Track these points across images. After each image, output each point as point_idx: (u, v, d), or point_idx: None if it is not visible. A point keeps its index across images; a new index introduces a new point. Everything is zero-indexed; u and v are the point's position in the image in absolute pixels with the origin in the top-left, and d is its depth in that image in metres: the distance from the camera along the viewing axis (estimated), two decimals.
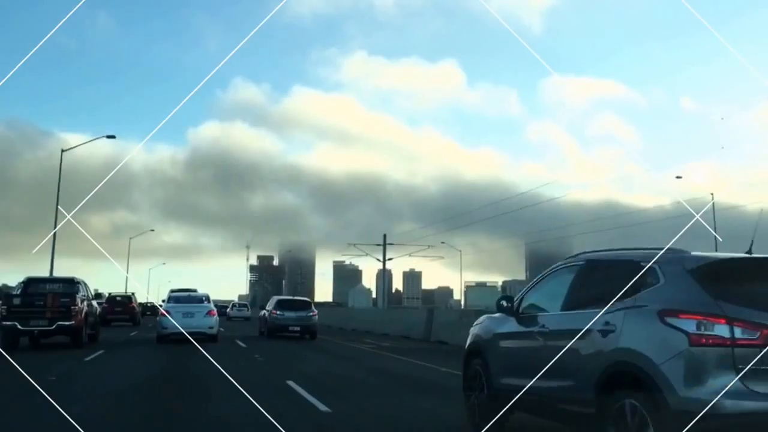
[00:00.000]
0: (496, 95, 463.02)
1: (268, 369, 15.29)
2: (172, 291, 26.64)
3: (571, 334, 5.67)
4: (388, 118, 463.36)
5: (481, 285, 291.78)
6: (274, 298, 31.81)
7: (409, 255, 68.38)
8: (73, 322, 19.21)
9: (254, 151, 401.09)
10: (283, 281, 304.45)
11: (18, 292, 20.23)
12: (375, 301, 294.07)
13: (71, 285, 20.72)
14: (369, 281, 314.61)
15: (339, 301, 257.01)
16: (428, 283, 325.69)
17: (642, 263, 5.45)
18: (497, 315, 7.44)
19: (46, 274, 31.74)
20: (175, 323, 22.67)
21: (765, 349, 4.33)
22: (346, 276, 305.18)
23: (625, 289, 5.30)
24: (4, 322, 18.87)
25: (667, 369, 4.61)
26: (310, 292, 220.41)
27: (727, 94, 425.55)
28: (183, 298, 25.17)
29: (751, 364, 4.33)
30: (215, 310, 24.94)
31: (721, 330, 4.48)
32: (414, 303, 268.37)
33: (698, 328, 4.59)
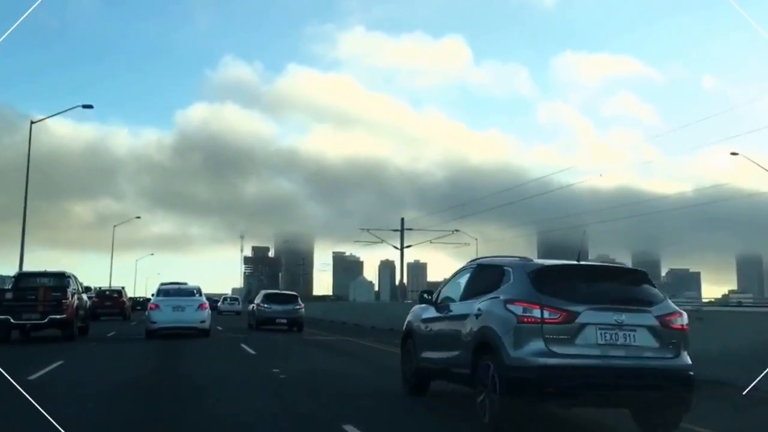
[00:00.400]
0: (505, 73, 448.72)
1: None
2: (162, 284, 25.69)
3: (462, 318, 8.32)
4: (389, 98, 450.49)
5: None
6: (262, 292, 33.40)
7: (430, 242, 57.90)
8: (65, 315, 19.84)
9: (247, 135, 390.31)
10: (280, 273, 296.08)
11: (10, 287, 21.13)
12: (378, 294, 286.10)
13: (62, 279, 21.39)
14: (370, 273, 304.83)
15: (339, 294, 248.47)
16: (434, 275, 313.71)
17: (504, 267, 8.06)
18: (425, 305, 9.93)
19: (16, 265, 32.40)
20: (164, 317, 22.28)
21: (562, 325, 6.95)
22: (347, 268, 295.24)
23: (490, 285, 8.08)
24: None
25: (505, 339, 7.19)
26: (309, 284, 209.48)
27: (751, 72, 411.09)
28: (173, 291, 24.18)
29: (552, 334, 6.97)
30: (207, 303, 24.18)
31: (536, 313, 7.02)
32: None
33: (523, 311, 7.12)
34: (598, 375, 6.94)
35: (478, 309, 7.89)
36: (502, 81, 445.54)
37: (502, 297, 7.58)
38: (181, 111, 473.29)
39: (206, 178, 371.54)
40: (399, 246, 55.61)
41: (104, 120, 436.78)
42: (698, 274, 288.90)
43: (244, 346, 19.79)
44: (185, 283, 26.09)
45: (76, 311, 20.95)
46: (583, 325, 6.99)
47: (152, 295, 26.22)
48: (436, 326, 9.30)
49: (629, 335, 7.07)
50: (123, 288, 46.86)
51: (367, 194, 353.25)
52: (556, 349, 6.94)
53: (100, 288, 44.94)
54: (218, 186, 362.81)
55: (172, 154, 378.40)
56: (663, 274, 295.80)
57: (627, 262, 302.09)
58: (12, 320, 19.44)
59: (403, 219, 56.67)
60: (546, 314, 7.01)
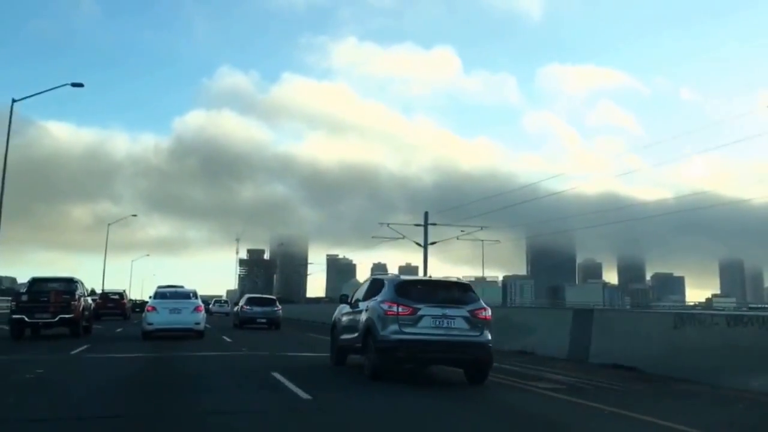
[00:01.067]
0: (494, 83, 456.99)
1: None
2: (159, 287, 26.40)
3: (360, 312, 12.86)
4: (381, 106, 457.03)
5: (480, 280, 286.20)
6: (245, 296, 37.81)
7: (457, 238, 52.34)
8: (73, 315, 22.44)
9: (243, 141, 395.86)
10: (275, 275, 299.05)
11: (25, 290, 23.59)
12: None
13: (70, 283, 23.83)
14: (363, 276, 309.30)
15: (332, 297, 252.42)
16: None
17: (383, 280, 12.69)
18: (344, 305, 14.53)
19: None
20: (161, 319, 22.84)
21: (409, 316, 11.44)
22: (340, 270, 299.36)
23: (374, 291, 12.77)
24: (13, 316, 22.07)
25: (378, 324, 11.70)
26: (302, 286, 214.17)
27: (730, 85, 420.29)
28: (170, 294, 24.80)
29: (404, 321, 11.46)
30: (202, 306, 24.98)
31: (394, 308, 11.53)
32: None
33: (388, 308, 11.61)
34: (430, 345, 11.35)
35: (367, 307, 12.34)
36: (490, 90, 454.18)
37: (378, 299, 11.99)
38: (179, 117, 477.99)
39: (203, 182, 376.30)
40: (422, 243, 49.21)
41: (104, 125, 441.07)
42: (682, 278, 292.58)
43: (224, 337, 24.74)
44: (182, 286, 26.71)
45: (82, 312, 23.32)
46: (422, 316, 11.43)
47: (149, 297, 26.93)
48: (348, 318, 13.64)
49: (450, 321, 11.49)
50: (124, 291, 50.28)
51: (360, 198, 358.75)
52: (405, 330, 11.36)
53: (103, 291, 48.08)
54: (214, 190, 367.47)
55: (170, 158, 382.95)
56: (648, 277, 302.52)
57: (612, 265, 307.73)
58: (26, 319, 21.88)
59: (427, 213, 49.41)
60: (400, 309, 11.47)
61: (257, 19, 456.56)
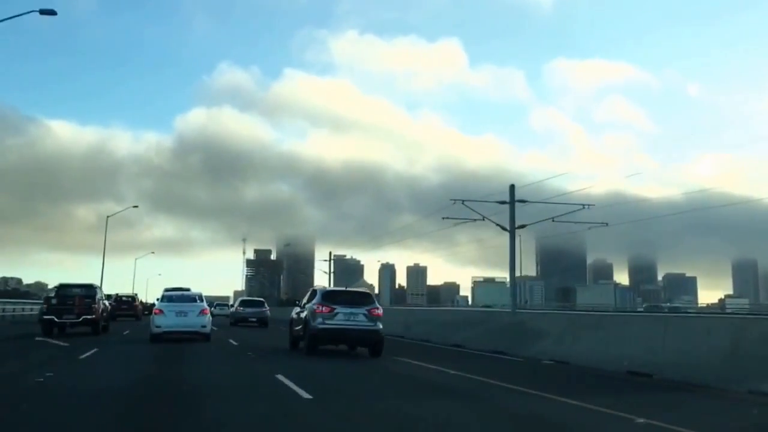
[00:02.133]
0: (501, 77, 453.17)
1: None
2: (166, 290, 27.57)
3: (303, 311, 19.33)
4: (385, 102, 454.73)
5: (489, 281, 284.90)
6: (239, 299, 47.94)
7: (552, 220, 37.23)
8: (94, 316, 26.53)
9: (245, 139, 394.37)
10: (282, 276, 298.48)
11: (53, 295, 27.95)
12: (379, 298, 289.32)
13: (91, 289, 28.03)
14: (371, 276, 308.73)
15: None
16: (434, 279, 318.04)
17: (318, 290, 19.82)
18: (297, 307, 20.88)
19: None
20: (168, 322, 23.49)
21: (329, 313, 17.95)
22: (347, 271, 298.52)
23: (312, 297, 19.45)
24: (44, 316, 26.38)
25: (311, 318, 18.21)
26: (309, 287, 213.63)
27: (741, 80, 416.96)
28: (176, 297, 25.53)
29: (325, 316, 17.96)
30: (208, 308, 25.63)
31: (320, 308, 18.09)
32: (419, 299, 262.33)
33: (317, 308, 18.18)
34: (342, 332, 18.04)
35: (306, 307, 19.20)
36: (497, 85, 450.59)
37: (313, 302, 18.69)
38: (180, 115, 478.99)
39: (206, 181, 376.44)
40: (508, 227, 34.75)
41: (106, 123, 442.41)
42: (694, 278, 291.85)
43: (218, 330, 29.90)
44: (188, 289, 27.93)
45: (102, 313, 27.45)
46: (337, 313, 17.93)
47: (157, 300, 27.93)
48: (297, 316, 20.24)
49: (355, 316, 17.98)
50: (136, 294, 55.80)
51: (365, 197, 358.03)
52: (327, 322, 17.87)
53: (117, 295, 51.06)
54: (218, 190, 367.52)
55: (173, 157, 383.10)
56: (659, 278, 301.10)
57: (623, 266, 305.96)
58: (56, 319, 26.01)
59: (513, 186, 35.76)
60: (323, 308, 18.06)
61: (258, 14, 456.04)
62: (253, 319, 40.72)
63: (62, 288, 27.77)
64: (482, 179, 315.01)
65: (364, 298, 18.75)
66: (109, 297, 40.94)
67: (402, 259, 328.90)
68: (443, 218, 41.01)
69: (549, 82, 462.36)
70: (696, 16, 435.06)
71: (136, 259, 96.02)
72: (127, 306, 48.75)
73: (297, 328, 19.81)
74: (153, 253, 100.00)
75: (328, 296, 18.65)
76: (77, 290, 27.29)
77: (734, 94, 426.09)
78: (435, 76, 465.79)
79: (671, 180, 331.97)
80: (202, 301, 25.31)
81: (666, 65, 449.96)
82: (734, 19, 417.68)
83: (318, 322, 17.78)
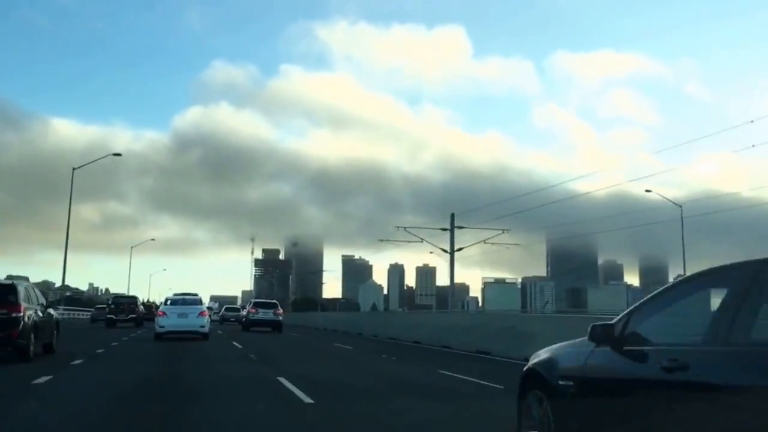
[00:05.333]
0: (507, 68, 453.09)
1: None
2: (175, 294, 30.94)
3: (244, 310, 51.14)
4: (387, 97, 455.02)
5: (499, 282, 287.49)
6: (251, 300, 51.57)
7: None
8: (136, 316, 45.51)
9: (245, 138, 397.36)
10: (290, 276, 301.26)
11: (111, 302, 48.22)
12: (387, 297, 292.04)
13: (134, 298, 50.76)
14: (379, 276, 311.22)
15: (349, 298, 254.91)
16: (443, 280, 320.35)
17: (252, 300, 50.55)
18: (229, 312, 62.29)
19: None
20: (170, 322, 26.70)
21: (255, 312, 42.28)
22: (356, 271, 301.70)
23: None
24: (108, 315, 44.82)
25: (247, 315, 42.72)
26: (318, 287, 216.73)
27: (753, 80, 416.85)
28: (179, 300, 28.74)
29: (253, 313, 42.37)
30: (207, 311, 29.25)
31: (251, 309, 42.98)
32: (428, 300, 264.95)
33: (249, 308, 44.48)
34: (260, 321, 40.14)
35: (246, 309, 46.30)
36: (502, 76, 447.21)
37: (247, 306, 45.80)
38: (178, 115, 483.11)
39: (209, 181, 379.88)
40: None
41: (106, 121, 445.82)
42: None
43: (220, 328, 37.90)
44: (195, 294, 30.56)
45: (140, 314, 46.32)
46: (259, 311, 40.93)
47: (161, 303, 33.50)
48: (243, 314, 47.34)
49: (268, 313, 41.24)
50: (154, 302, 66.54)
51: (368, 197, 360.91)
52: (253, 317, 40.72)
53: (147, 301, 62.19)
54: (221, 190, 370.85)
55: (174, 157, 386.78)
56: (670, 279, 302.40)
57: (634, 267, 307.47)
58: (114, 317, 43.71)
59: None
60: (251, 309, 42.13)
61: (252, 8, 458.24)
62: (267, 326, 39.24)
63: (116, 298, 49.91)
64: (487, 178, 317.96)
65: (272, 305, 42.33)
66: (143, 303, 56.82)
67: (413, 258, 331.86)
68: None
69: (555, 75, 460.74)
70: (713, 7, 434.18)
71: (132, 247, 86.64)
72: (148, 311, 51.44)
73: (244, 319, 43.06)
74: (153, 240, 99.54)
75: (257, 303, 42.86)
76: (124, 299, 48.28)
77: (745, 94, 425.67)
78: (437, 67, 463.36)
79: (677, 181, 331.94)
80: (201, 304, 28.96)
81: (678, 57, 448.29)
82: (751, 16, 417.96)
83: (248, 316, 40.96)
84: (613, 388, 4.58)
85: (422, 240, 50.18)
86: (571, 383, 4.85)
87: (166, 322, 26.75)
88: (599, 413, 4.63)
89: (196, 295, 30.45)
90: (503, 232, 49.96)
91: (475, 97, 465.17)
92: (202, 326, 27.05)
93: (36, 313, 15.88)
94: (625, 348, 4.55)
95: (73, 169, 48.67)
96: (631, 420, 4.27)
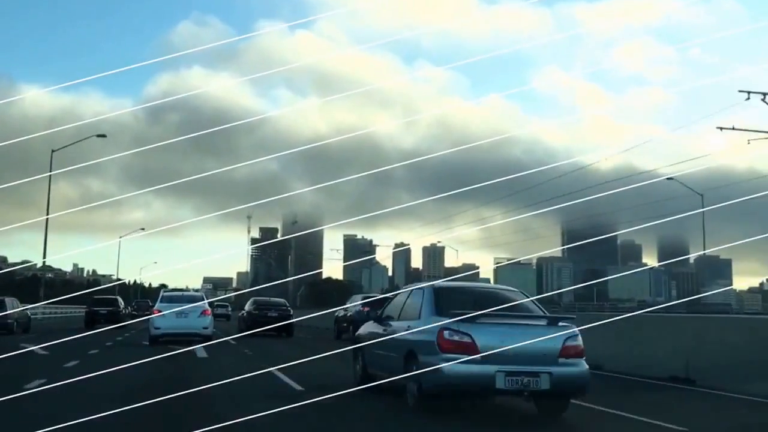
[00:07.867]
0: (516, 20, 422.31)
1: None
2: (165, 290, 28.87)
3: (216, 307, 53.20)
4: (378, 57, 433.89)
5: (512, 262, 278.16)
6: (252, 299, 36.89)
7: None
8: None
9: (226, 107, 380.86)
10: (289, 257, 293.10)
11: (134, 304, 64.13)
12: (392, 280, 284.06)
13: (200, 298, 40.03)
14: (384, 258, 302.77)
15: (351, 279, 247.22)
16: (451, 260, 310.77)
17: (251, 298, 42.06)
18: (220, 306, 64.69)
19: None
20: (168, 323, 23.76)
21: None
22: (359, 252, 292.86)
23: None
24: (134, 313, 52.24)
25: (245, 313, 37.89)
26: (318, 268, 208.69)
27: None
28: (176, 297, 26.26)
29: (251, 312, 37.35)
30: (210, 309, 25.90)
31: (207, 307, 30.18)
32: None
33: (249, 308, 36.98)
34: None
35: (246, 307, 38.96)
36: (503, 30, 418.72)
37: (248, 306, 36.38)
38: (152, 83, 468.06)
39: (192, 157, 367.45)
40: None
41: (78, 89, 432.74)
42: (729, 261, 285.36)
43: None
44: (188, 290, 29.17)
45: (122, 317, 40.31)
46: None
47: (158, 300, 28.55)
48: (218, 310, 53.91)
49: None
50: (117, 298, 52.04)
51: (360, 171, 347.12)
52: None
53: (94, 298, 48.35)
54: (206, 167, 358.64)
55: (151, 129, 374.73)
56: (691, 261, 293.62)
57: (653, 247, 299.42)
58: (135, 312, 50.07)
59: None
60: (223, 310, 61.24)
61: None
62: (273, 327, 29.74)
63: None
64: (486, 150, 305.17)
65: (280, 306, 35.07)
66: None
67: (416, 238, 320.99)
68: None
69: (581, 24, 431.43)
70: None
71: (120, 237, 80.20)
72: (106, 314, 38.41)
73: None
74: (143, 230, 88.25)
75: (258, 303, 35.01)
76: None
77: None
78: (434, 18, 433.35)
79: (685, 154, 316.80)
80: (203, 301, 26.17)
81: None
82: None
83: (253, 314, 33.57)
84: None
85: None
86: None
87: (163, 322, 24.02)
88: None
89: (197, 290, 26.83)
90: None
91: (474, 51, 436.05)
92: (205, 327, 24.52)
93: None
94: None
95: (53, 151, 47.43)
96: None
